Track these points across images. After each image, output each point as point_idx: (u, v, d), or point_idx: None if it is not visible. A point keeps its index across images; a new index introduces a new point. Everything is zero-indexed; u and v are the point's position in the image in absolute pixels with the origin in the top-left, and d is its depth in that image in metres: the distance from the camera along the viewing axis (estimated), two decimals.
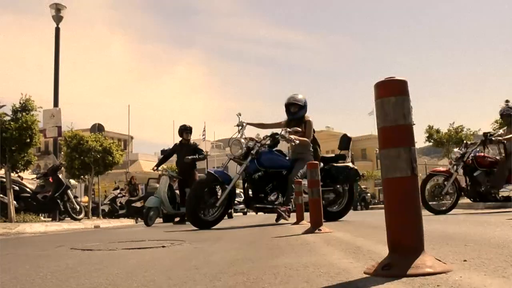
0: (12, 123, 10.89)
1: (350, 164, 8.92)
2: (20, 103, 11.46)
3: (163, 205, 11.14)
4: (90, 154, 15.16)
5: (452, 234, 4.00)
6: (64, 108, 15.81)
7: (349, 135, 9.61)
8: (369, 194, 31.45)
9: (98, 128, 17.99)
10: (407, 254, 1.88)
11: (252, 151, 7.73)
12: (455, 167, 9.56)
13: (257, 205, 8.03)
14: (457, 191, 9.57)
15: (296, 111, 8.43)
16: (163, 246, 3.86)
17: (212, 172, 7.78)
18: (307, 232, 4.98)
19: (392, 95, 1.96)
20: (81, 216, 13.12)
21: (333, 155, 9.23)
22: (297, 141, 7.80)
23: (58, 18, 14.63)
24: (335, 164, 8.76)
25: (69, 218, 13.15)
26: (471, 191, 9.59)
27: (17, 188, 12.17)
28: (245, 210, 32.25)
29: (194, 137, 13.28)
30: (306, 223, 6.86)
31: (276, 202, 7.87)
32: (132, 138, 68.84)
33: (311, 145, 8.40)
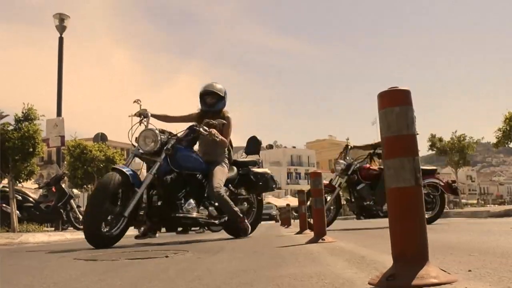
0: (14, 132, 10.92)
1: (268, 170, 7.84)
2: (22, 112, 11.49)
3: None
4: (93, 164, 15.21)
5: (455, 244, 3.99)
6: (67, 117, 15.85)
7: (258, 138, 8.00)
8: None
9: (101, 138, 18.02)
10: (411, 265, 1.87)
11: (167, 146, 6.09)
12: (338, 180, 9.10)
13: (178, 215, 6.20)
14: (337, 206, 9.12)
15: (213, 103, 6.93)
16: (167, 256, 3.85)
17: (123, 170, 5.79)
18: (310, 241, 4.97)
19: (396, 105, 1.96)
20: None
21: (246, 159, 7.89)
22: (218, 139, 6.54)
23: (61, 28, 14.70)
24: (254, 169, 7.55)
25: (72, 228, 13.15)
26: (355, 206, 9.10)
27: (20, 197, 12.19)
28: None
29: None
30: (309, 233, 6.85)
31: (194, 214, 6.32)
32: (134, 147, 68.88)
33: (227, 147, 7.08)
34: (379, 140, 2.11)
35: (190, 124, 6.68)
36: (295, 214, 30.11)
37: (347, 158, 9.27)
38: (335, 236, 5.67)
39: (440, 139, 29.67)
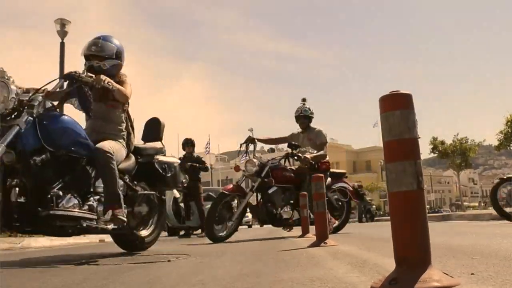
0: None
1: (177, 159, 6.08)
2: None
3: (168, 219, 11.11)
4: None
5: (457, 247, 3.98)
6: None
7: (161, 120, 5.64)
8: (374, 206, 31.37)
9: None
10: (414, 268, 1.87)
11: (32, 103, 3.95)
12: (247, 182, 7.92)
13: (52, 213, 4.01)
14: (240, 215, 7.65)
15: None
16: (169, 261, 3.85)
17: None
18: (312, 245, 4.96)
19: (397, 109, 1.97)
20: None
21: (147, 145, 5.45)
22: (111, 86, 4.49)
23: (63, 33, 14.71)
24: (159, 158, 5.47)
25: None
26: (261, 212, 7.88)
27: None
28: (250, 223, 32.05)
29: (198, 150, 13.23)
30: (311, 236, 6.84)
31: (76, 213, 4.20)
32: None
33: (124, 124, 5.00)
34: (383, 141, 2.09)
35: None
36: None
37: (256, 155, 8.07)
38: (337, 239, 5.66)
39: (442, 142, 29.70)
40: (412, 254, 1.90)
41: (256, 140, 7.49)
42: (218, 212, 7.12)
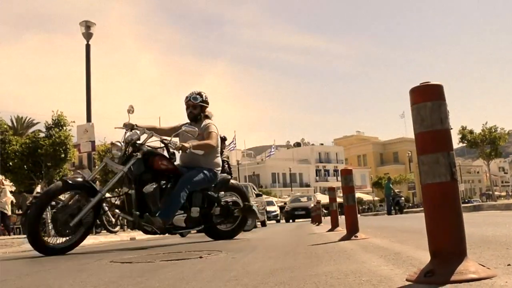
0: (46, 139, 11.14)
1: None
2: (52, 119, 11.72)
3: None
4: None
5: (492, 237, 3.93)
6: (97, 123, 16.05)
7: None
8: (403, 198, 31.04)
9: None
10: (449, 260, 1.86)
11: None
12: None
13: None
14: (92, 218, 5.88)
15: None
16: (201, 257, 3.88)
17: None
18: (343, 239, 4.96)
19: (428, 100, 1.95)
20: (117, 228, 13.28)
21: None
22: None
23: (88, 35, 14.89)
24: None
25: (105, 231, 13.34)
26: (129, 214, 6.09)
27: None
28: (278, 218, 32.00)
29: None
30: (341, 230, 6.83)
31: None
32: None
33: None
34: (413, 135, 2.08)
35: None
36: (325, 211, 30.01)
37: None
38: (367, 233, 5.64)
39: (471, 131, 29.25)
40: (447, 246, 1.89)
41: (136, 127, 6.05)
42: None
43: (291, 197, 39.74)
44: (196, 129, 6.25)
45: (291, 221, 29.43)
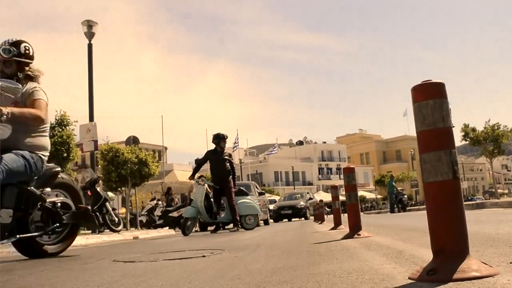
0: None
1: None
2: (55, 119, 11.72)
3: (200, 215, 11.18)
4: (126, 166, 15.40)
5: (494, 235, 3.93)
6: (99, 122, 16.09)
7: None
8: (406, 196, 31.02)
9: (133, 141, 18.29)
10: (452, 258, 1.86)
11: None
12: None
13: None
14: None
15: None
16: (204, 256, 3.89)
17: None
18: (346, 237, 4.96)
19: (430, 98, 1.95)
20: (120, 228, 13.29)
21: None
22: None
23: (90, 35, 14.90)
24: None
25: (108, 230, 13.35)
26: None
27: None
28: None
29: (227, 145, 13.23)
30: (344, 228, 6.83)
31: None
32: (166, 148, 69.44)
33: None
34: (415, 133, 2.08)
35: None
36: (328, 209, 30.00)
37: None
38: (370, 231, 5.64)
39: (473, 129, 29.17)
40: (450, 244, 1.89)
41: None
42: None
43: (283, 195, 36.76)
44: (20, 85, 4.36)
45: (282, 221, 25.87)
